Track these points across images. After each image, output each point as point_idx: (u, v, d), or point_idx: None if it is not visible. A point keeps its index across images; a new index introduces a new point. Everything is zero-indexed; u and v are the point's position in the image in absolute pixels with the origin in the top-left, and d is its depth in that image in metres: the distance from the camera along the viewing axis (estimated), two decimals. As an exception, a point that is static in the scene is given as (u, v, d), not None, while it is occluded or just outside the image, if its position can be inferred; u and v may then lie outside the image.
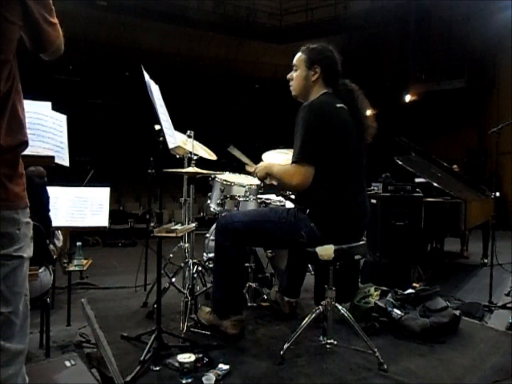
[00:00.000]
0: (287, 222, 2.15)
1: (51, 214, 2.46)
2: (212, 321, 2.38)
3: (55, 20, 1.10)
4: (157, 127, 2.34)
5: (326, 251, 2.02)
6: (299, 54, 2.27)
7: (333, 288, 2.13)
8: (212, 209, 3.10)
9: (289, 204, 2.80)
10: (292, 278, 2.75)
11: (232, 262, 2.31)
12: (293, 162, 2.08)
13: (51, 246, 2.89)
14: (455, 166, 5.58)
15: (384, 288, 2.78)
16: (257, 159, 3.11)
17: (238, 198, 2.95)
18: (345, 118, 2.13)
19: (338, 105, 2.13)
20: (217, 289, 2.39)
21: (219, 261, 2.36)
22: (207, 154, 2.99)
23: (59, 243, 3.08)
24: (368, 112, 2.24)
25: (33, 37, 1.07)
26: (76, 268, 2.94)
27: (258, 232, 2.26)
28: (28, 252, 1.04)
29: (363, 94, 2.24)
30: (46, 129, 2.14)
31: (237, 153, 2.56)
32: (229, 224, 2.30)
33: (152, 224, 3.57)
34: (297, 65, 2.26)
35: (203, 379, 1.84)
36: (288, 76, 2.32)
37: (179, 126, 2.45)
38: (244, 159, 2.56)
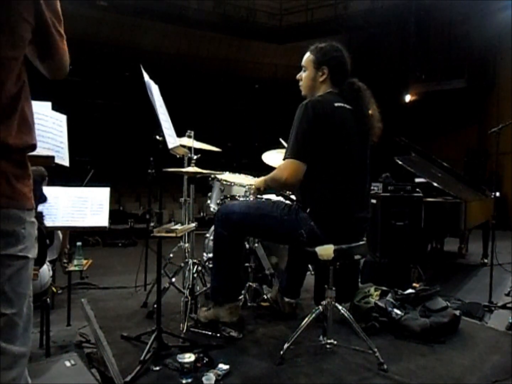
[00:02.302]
0: (288, 219, 2.15)
1: (50, 214, 2.43)
2: (210, 316, 2.39)
3: (63, 33, 1.10)
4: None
5: (325, 250, 2.02)
6: (307, 55, 2.27)
7: (333, 288, 2.13)
8: (212, 209, 3.09)
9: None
10: (292, 278, 2.75)
11: (230, 251, 2.32)
12: (284, 158, 2.10)
13: (57, 242, 2.88)
14: None
15: (384, 288, 2.78)
16: (257, 159, 3.12)
17: (238, 198, 2.94)
18: (345, 117, 2.12)
19: (337, 105, 2.11)
20: (214, 277, 2.42)
21: (217, 249, 2.38)
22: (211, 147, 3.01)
23: (59, 243, 3.08)
24: (374, 112, 2.23)
25: (41, 40, 1.07)
26: (76, 268, 2.93)
27: (258, 225, 2.27)
28: (33, 252, 1.04)
29: (370, 93, 2.23)
30: (46, 129, 2.14)
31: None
32: (229, 214, 2.31)
33: (152, 224, 3.57)
34: (306, 66, 2.27)
35: (203, 379, 1.84)
36: (297, 76, 2.32)
37: (179, 126, 2.45)
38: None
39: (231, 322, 2.35)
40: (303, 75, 2.29)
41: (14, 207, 0.97)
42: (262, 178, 2.29)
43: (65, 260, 3.15)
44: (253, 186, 2.34)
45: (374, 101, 2.24)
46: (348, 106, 2.15)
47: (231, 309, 2.35)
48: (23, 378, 1.03)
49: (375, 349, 2.02)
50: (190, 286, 2.68)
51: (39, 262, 2.15)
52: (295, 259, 2.71)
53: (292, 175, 2.06)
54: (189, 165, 2.62)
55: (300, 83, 2.31)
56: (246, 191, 2.96)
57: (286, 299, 2.74)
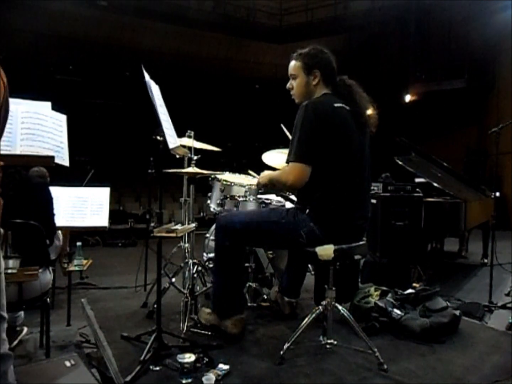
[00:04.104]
0: (287, 222, 2.15)
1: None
2: (213, 321, 2.38)
3: None
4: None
5: (325, 251, 2.02)
6: (294, 62, 2.26)
7: (333, 288, 2.13)
8: (212, 209, 3.10)
9: (288, 205, 2.80)
10: (292, 278, 2.75)
11: (232, 261, 2.31)
12: (288, 161, 2.09)
13: (58, 243, 2.87)
14: None
15: (384, 288, 2.78)
16: (257, 159, 3.12)
17: (238, 198, 2.94)
18: (344, 117, 2.12)
19: (337, 105, 2.11)
20: (217, 289, 2.39)
21: (219, 260, 2.36)
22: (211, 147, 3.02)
23: (59, 243, 3.08)
24: (368, 106, 2.23)
25: None
26: (76, 268, 2.93)
27: (258, 233, 2.26)
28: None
29: (361, 89, 2.23)
30: (46, 129, 2.14)
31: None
32: (229, 223, 2.30)
33: (152, 224, 3.57)
34: (296, 74, 2.25)
35: (203, 379, 1.84)
36: (288, 85, 2.31)
37: (179, 126, 2.45)
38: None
39: (234, 334, 2.32)
40: (293, 83, 2.27)
41: None
42: (267, 174, 2.28)
43: (64, 261, 3.15)
44: (259, 181, 2.33)
45: (369, 98, 2.24)
46: (346, 107, 2.15)
47: (235, 321, 2.33)
48: (10, 377, 1.03)
49: (375, 349, 2.02)
50: (190, 286, 2.68)
51: (41, 262, 2.14)
52: (295, 259, 2.71)
53: (297, 178, 2.05)
54: (189, 166, 2.62)
55: (292, 92, 2.29)
56: (246, 191, 2.96)
57: (286, 299, 2.74)
